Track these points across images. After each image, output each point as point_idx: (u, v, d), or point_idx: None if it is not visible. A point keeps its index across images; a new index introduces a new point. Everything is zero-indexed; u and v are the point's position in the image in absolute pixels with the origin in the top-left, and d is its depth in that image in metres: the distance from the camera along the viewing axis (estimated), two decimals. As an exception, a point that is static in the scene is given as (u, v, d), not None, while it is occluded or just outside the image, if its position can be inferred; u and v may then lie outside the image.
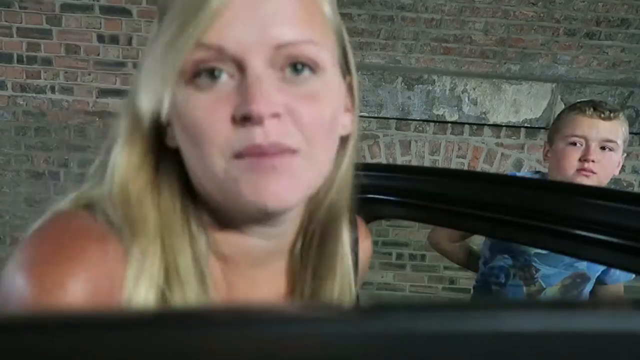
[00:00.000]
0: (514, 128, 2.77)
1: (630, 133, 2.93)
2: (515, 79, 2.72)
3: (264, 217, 0.41)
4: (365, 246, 0.58)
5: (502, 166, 2.81)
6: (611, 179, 3.01)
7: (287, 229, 0.46)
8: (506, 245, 1.28)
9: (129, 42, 2.72)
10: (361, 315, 0.17)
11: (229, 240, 0.44)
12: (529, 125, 2.73)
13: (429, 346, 0.15)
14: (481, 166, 2.81)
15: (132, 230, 0.39)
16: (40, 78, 2.74)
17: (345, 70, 0.46)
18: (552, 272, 1.22)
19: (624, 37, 2.58)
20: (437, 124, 2.78)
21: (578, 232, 0.57)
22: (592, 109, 1.14)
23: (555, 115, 2.78)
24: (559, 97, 2.70)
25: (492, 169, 2.80)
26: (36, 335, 0.15)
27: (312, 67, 0.39)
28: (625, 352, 0.16)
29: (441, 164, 2.80)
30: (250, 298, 0.46)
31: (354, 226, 0.54)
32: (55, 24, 2.70)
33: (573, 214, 0.58)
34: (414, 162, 2.81)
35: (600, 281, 1.28)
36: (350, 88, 0.47)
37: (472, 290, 1.51)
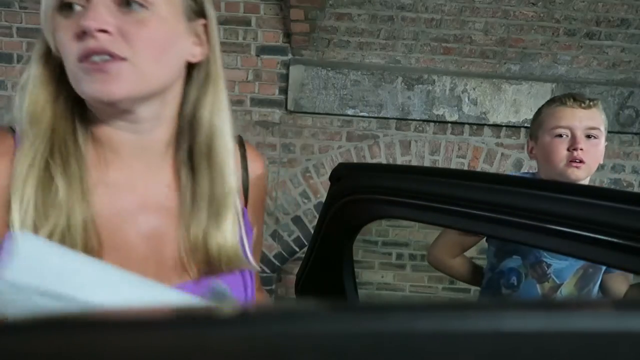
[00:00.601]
0: (514, 128, 2.77)
1: (630, 133, 2.93)
2: (515, 79, 2.72)
3: (108, 109, 0.54)
4: (256, 167, 0.71)
5: (502, 166, 2.81)
6: (611, 179, 3.01)
7: (152, 129, 0.59)
8: (513, 247, 1.27)
9: (129, 42, 2.72)
10: (361, 314, 0.17)
11: (104, 131, 0.58)
12: (529, 125, 2.73)
13: (429, 346, 0.15)
14: (481, 166, 2.81)
15: (29, 124, 0.55)
16: (40, 78, 2.74)
17: (198, 13, 0.59)
18: (564, 266, 1.21)
19: (624, 37, 2.58)
20: (437, 124, 2.78)
21: (578, 232, 0.57)
22: (572, 100, 1.17)
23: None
24: (559, 97, 2.70)
25: (492, 169, 2.80)
26: (29, 336, 0.15)
27: (142, 3, 0.52)
28: (625, 352, 0.16)
29: (441, 164, 2.80)
30: (130, 182, 0.59)
31: (242, 148, 0.69)
32: (55, 24, 2.70)
33: (573, 214, 0.58)
34: (414, 162, 2.81)
35: (607, 270, 1.26)
36: (205, 28, 0.60)
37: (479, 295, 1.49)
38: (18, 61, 2.73)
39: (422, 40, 2.63)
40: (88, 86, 0.51)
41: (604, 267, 1.24)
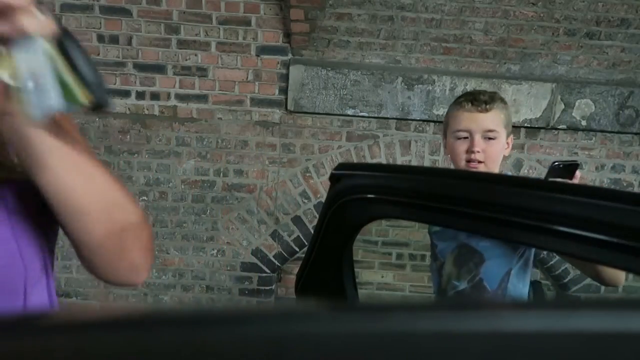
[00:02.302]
0: (514, 128, 2.76)
1: (630, 133, 2.92)
2: (515, 79, 2.72)
3: None
4: None
5: (502, 166, 2.81)
6: (611, 179, 3.00)
7: None
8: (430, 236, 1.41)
9: (129, 42, 2.72)
10: (361, 314, 0.17)
11: None
12: (529, 125, 2.74)
13: (429, 346, 0.15)
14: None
15: None
16: (40, 78, 2.75)
17: None
18: (444, 246, 1.33)
19: (624, 37, 2.58)
20: (437, 124, 2.78)
21: (578, 232, 0.57)
22: (469, 104, 1.25)
23: (555, 115, 2.78)
24: (559, 97, 2.70)
25: (492, 169, 2.80)
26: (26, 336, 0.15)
27: None
28: (625, 352, 0.16)
29: (441, 164, 2.80)
30: None
31: None
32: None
33: (573, 214, 0.58)
34: (414, 162, 2.81)
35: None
36: None
37: None
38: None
39: (422, 40, 2.63)
40: None
41: (485, 254, 1.26)
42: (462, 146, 1.26)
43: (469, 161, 1.25)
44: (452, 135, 1.30)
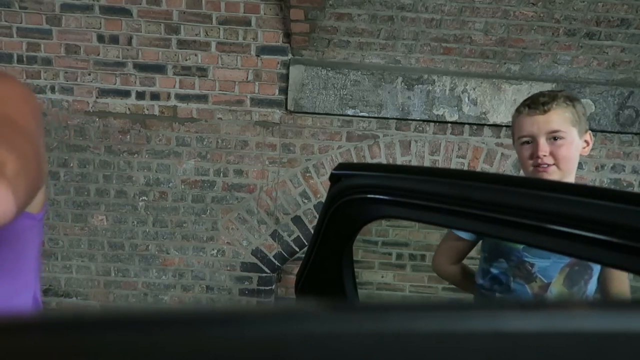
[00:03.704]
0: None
1: (630, 133, 2.92)
2: (515, 79, 2.72)
3: None
4: None
5: (502, 166, 2.81)
6: (611, 179, 3.00)
7: None
8: (498, 250, 1.30)
9: (129, 42, 2.72)
10: (361, 314, 0.17)
11: None
12: (529, 125, 2.73)
13: (429, 346, 0.15)
14: (481, 166, 2.81)
15: None
16: (40, 78, 2.75)
17: None
18: (548, 264, 1.24)
19: (624, 37, 2.58)
20: (437, 124, 2.78)
21: (578, 232, 0.57)
22: (527, 108, 1.21)
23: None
24: (559, 97, 2.70)
25: (492, 169, 2.80)
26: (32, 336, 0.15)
27: None
28: (625, 352, 0.16)
29: (441, 164, 2.80)
30: None
31: None
32: (55, 24, 2.70)
33: (574, 214, 0.58)
34: (414, 162, 2.81)
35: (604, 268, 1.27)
36: None
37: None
38: (18, 61, 2.73)
39: (422, 40, 2.63)
40: None
41: (596, 265, 1.24)
42: (527, 152, 1.21)
43: (536, 166, 1.19)
44: (517, 142, 1.25)
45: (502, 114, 2.73)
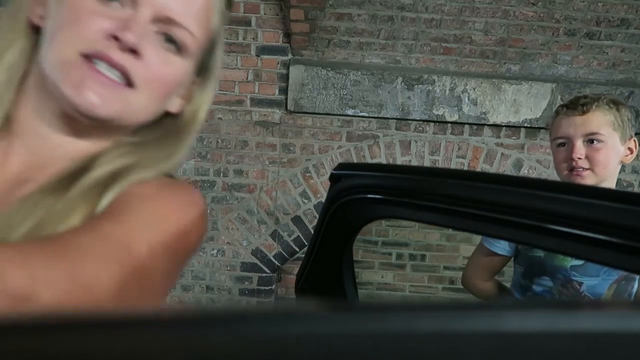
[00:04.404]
0: (514, 128, 2.77)
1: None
2: (515, 79, 2.72)
3: (74, 121, 0.48)
4: None
5: (502, 166, 2.81)
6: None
7: (82, 141, 0.51)
8: (541, 268, 1.25)
9: (129, 42, 2.72)
10: (361, 314, 0.17)
11: (29, 118, 0.50)
12: (529, 125, 2.74)
13: (429, 346, 0.15)
14: (481, 166, 2.81)
15: None
16: (40, 78, 2.75)
17: (200, 70, 0.56)
18: (596, 282, 1.19)
19: (624, 37, 2.58)
20: (437, 124, 2.78)
21: (579, 232, 0.57)
22: (565, 108, 1.16)
23: (556, 115, 2.77)
24: (559, 97, 2.70)
25: (492, 169, 2.80)
26: (27, 337, 0.15)
27: (181, 49, 0.50)
28: (625, 352, 0.15)
29: (441, 164, 2.80)
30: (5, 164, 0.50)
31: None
32: (55, 24, 2.70)
33: (574, 214, 0.58)
34: (414, 162, 2.81)
35: None
36: (196, 84, 0.57)
37: None
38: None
39: (422, 40, 2.63)
40: (75, 89, 0.44)
41: (637, 277, 1.20)
42: (562, 154, 1.16)
43: (570, 170, 1.14)
44: (553, 143, 1.20)
45: (502, 114, 2.73)
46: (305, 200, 2.84)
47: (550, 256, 1.23)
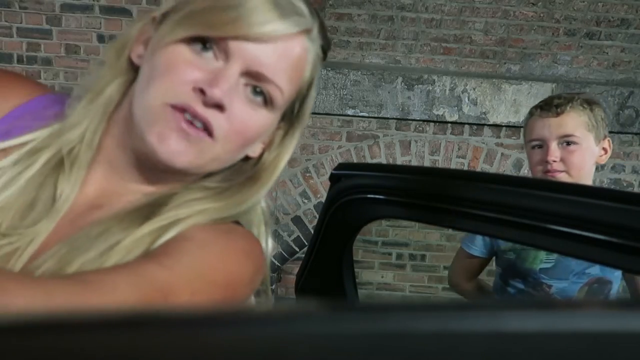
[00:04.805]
0: (514, 128, 2.77)
1: (630, 133, 2.92)
2: (515, 79, 2.72)
3: (151, 162, 0.48)
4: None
5: (502, 166, 2.81)
6: (611, 179, 3.00)
7: (160, 188, 0.52)
8: (513, 270, 1.26)
9: (129, 42, 2.72)
10: (361, 314, 0.17)
11: (114, 144, 0.51)
12: (529, 125, 2.73)
13: (429, 346, 0.15)
14: (481, 166, 2.81)
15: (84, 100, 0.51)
16: (40, 78, 2.75)
17: (288, 117, 0.55)
18: (565, 285, 1.19)
19: (624, 37, 2.58)
20: (437, 124, 2.78)
21: (579, 232, 0.57)
22: (539, 109, 1.16)
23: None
24: (559, 97, 2.70)
25: (492, 169, 2.80)
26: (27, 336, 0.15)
27: (267, 102, 0.50)
28: (625, 352, 0.15)
29: (441, 164, 2.80)
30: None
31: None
32: (55, 24, 2.70)
33: (574, 214, 0.58)
34: (414, 162, 2.81)
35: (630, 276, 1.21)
36: (279, 133, 0.56)
37: None
38: (18, 61, 2.73)
39: (422, 40, 2.63)
40: (158, 138, 0.45)
41: (616, 281, 1.19)
42: (537, 156, 1.15)
43: (545, 172, 1.13)
44: (527, 145, 1.19)
45: (502, 114, 2.73)
46: (305, 200, 2.85)
47: (521, 258, 1.24)
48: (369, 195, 0.90)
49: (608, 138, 1.17)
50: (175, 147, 0.46)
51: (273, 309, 0.17)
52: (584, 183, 1.14)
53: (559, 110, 1.12)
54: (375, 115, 2.74)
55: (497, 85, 2.71)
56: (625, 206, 0.53)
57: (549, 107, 1.14)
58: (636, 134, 2.77)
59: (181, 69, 0.46)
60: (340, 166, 1.01)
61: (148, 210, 0.49)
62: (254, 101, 0.49)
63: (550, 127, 1.12)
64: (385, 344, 0.15)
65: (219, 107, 0.46)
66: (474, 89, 2.71)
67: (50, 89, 0.58)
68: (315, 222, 1.06)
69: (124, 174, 0.52)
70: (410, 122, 2.78)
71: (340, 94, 2.71)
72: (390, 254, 3.62)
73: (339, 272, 1.06)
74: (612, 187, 2.85)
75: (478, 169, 2.79)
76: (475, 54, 2.68)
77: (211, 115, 0.46)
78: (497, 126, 2.78)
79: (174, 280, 0.41)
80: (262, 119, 0.50)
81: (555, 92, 2.70)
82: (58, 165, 0.49)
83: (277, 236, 2.89)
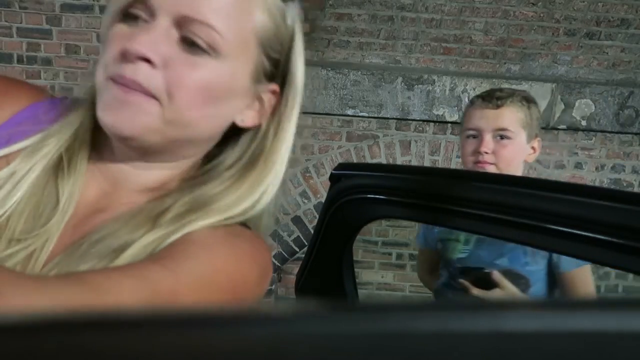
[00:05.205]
0: (514, 128, 2.78)
1: (630, 133, 2.92)
2: (515, 79, 2.72)
3: (113, 137, 0.48)
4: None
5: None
6: (611, 179, 3.00)
7: (154, 171, 0.52)
8: (443, 260, 1.28)
9: (129, 42, 2.72)
10: (361, 314, 0.17)
11: (106, 142, 0.51)
12: (529, 125, 2.74)
13: (429, 346, 0.15)
14: (481, 166, 2.81)
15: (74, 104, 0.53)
16: (40, 78, 2.75)
17: (271, 76, 0.52)
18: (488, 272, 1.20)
19: (624, 37, 2.58)
20: (437, 124, 2.78)
21: (579, 232, 0.57)
22: (481, 100, 1.16)
23: (555, 116, 2.79)
24: (559, 97, 2.70)
25: (492, 169, 2.80)
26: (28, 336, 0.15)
27: (208, 48, 0.45)
28: (624, 351, 0.15)
29: (441, 164, 2.80)
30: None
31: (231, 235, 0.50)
32: (55, 24, 2.70)
33: (574, 214, 0.58)
34: (414, 162, 2.81)
35: (556, 271, 1.18)
36: (273, 95, 0.53)
37: None
38: (18, 61, 2.73)
39: (422, 40, 2.63)
40: (103, 110, 0.45)
41: (531, 277, 1.17)
42: (470, 146, 1.16)
43: (476, 162, 1.14)
44: (463, 133, 1.20)
45: (502, 114, 2.74)
46: (305, 200, 2.84)
47: (445, 248, 1.26)
48: (369, 195, 0.91)
49: (539, 138, 1.19)
50: (118, 116, 0.45)
51: (273, 309, 0.17)
52: (492, 173, 1.15)
53: (499, 102, 1.13)
54: (375, 115, 2.75)
55: (497, 85, 2.70)
56: (625, 206, 0.53)
57: (489, 98, 1.15)
58: (636, 134, 2.77)
59: (115, 42, 0.45)
60: (340, 166, 1.01)
61: (152, 212, 0.48)
62: (191, 51, 0.45)
63: (488, 118, 1.13)
64: (385, 344, 0.15)
65: (146, 61, 0.44)
66: (474, 89, 2.71)
67: (49, 92, 0.58)
68: (315, 222, 1.06)
69: (119, 171, 0.51)
70: (410, 122, 2.78)
71: (340, 94, 2.71)
72: (390, 254, 3.62)
73: (339, 272, 1.06)
74: (612, 187, 2.85)
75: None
76: (475, 54, 2.68)
77: (140, 73, 0.44)
78: (497, 126, 2.78)
79: (178, 285, 0.40)
80: (210, 69, 0.46)
81: (555, 92, 2.70)
82: (57, 165, 0.49)
83: (277, 236, 2.89)
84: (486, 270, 1.16)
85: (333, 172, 1.00)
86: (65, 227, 0.48)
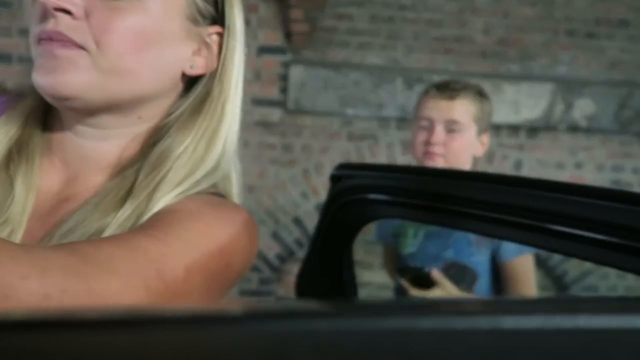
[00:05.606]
0: (514, 128, 2.77)
1: (630, 133, 2.92)
2: (515, 79, 2.72)
3: (52, 100, 0.46)
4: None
5: (502, 166, 2.81)
6: (611, 180, 3.00)
7: (115, 140, 0.50)
8: (396, 255, 1.29)
9: (129, 42, 2.72)
10: (361, 314, 0.17)
11: (60, 125, 0.51)
12: (528, 126, 2.73)
13: (429, 346, 0.15)
14: (481, 166, 2.81)
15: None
16: (40, 78, 2.74)
17: (210, 18, 0.51)
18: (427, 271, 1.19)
19: (624, 37, 2.58)
20: (437, 124, 2.78)
21: (579, 232, 0.57)
22: (435, 90, 1.15)
23: (555, 116, 2.78)
24: (559, 97, 2.70)
25: (492, 169, 2.80)
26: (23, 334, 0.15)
27: None
28: (623, 350, 0.16)
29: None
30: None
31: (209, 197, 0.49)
32: (55, 24, 2.70)
33: (574, 214, 0.58)
34: (414, 163, 2.81)
35: (498, 260, 1.18)
36: (219, 37, 0.51)
37: None
38: (18, 61, 2.73)
39: (422, 40, 2.63)
40: (36, 73, 0.44)
41: (477, 269, 1.16)
42: (421, 136, 1.15)
43: (426, 153, 1.14)
44: (414, 123, 1.19)
45: (502, 114, 2.73)
46: (305, 201, 2.84)
47: (397, 243, 1.26)
48: (369, 196, 0.90)
49: (488, 133, 1.20)
50: (50, 73, 0.43)
51: (273, 308, 0.17)
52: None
53: (453, 94, 1.12)
54: (376, 115, 2.75)
55: (497, 85, 2.71)
56: (625, 206, 0.53)
57: (444, 88, 1.14)
58: (636, 134, 2.77)
59: (35, 5, 0.45)
60: (341, 166, 1.01)
61: (118, 194, 0.47)
62: None
63: (440, 109, 1.13)
64: (385, 343, 0.15)
65: (63, 11, 0.43)
66: (474, 89, 2.71)
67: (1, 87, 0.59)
68: (315, 222, 1.06)
69: (75, 150, 0.50)
70: (411, 122, 2.78)
71: (340, 94, 2.71)
72: (390, 254, 3.62)
73: (339, 272, 1.06)
74: (612, 187, 2.85)
75: (478, 169, 2.79)
76: (475, 54, 2.68)
77: (62, 24, 0.43)
78: (497, 126, 2.78)
79: (167, 251, 0.40)
80: (135, 11, 0.45)
81: (555, 92, 2.70)
82: (8, 158, 0.49)
83: (277, 236, 2.89)
84: (425, 270, 1.15)
85: (333, 172, 1.00)
86: (31, 220, 0.47)
